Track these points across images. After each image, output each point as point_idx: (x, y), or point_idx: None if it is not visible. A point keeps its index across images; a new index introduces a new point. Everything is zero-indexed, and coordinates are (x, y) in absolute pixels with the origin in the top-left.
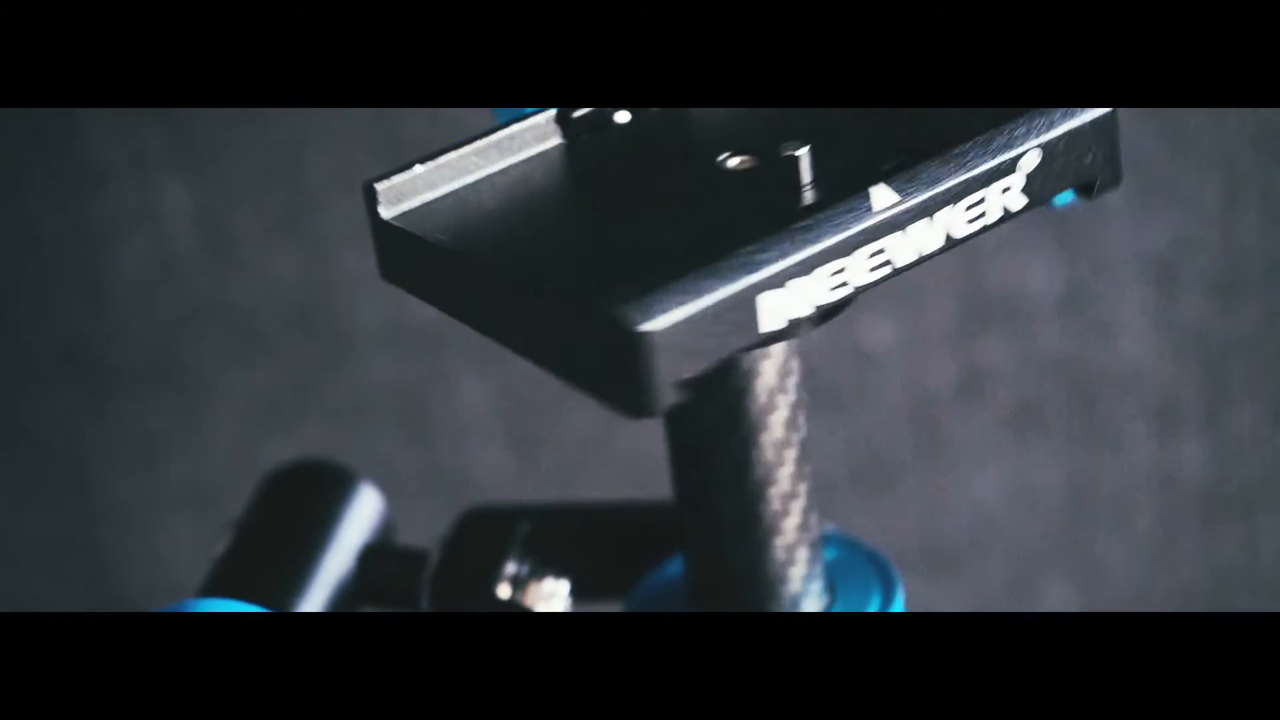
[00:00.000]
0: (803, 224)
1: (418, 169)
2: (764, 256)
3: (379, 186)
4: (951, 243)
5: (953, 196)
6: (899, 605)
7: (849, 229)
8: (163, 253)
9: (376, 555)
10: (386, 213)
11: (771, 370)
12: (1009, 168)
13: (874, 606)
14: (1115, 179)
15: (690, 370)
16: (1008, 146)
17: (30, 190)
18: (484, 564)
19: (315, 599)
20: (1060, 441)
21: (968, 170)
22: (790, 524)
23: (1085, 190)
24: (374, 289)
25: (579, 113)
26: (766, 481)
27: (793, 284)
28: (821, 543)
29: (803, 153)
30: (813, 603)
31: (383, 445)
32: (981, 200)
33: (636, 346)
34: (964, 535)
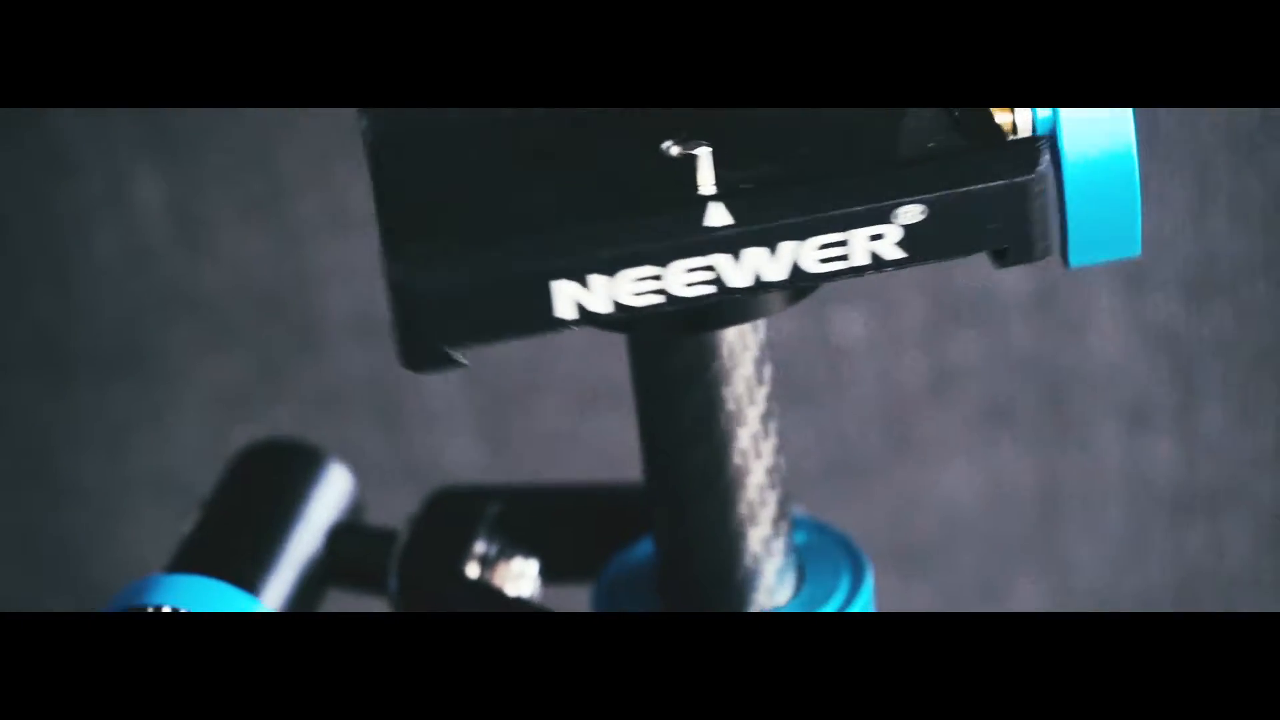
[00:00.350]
0: (622, 220)
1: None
2: (568, 244)
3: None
4: (804, 275)
5: (801, 231)
6: (868, 588)
7: (666, 240)
8: (133, 240)
9: (345, 534)
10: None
11: (748, 358)
12: (880, 216)
13: (843, 590)
14: (1026, 252)
15: (475, 337)
16: (881, 195)
17: None
18: (453, 543)
19: (283, 578)
20: (1030, 439)
21: (827, 209)
22: (763, 511)
23: (997, 257)
24: (345, 278)
25: None
26: (741, 470)
27: (593, 279)
28: (791, 525)
29: (701, 152)
30: (783, 584)
31: (353, 434)
32: (843, 242)
33: (402, 298)
34: (934, 532)
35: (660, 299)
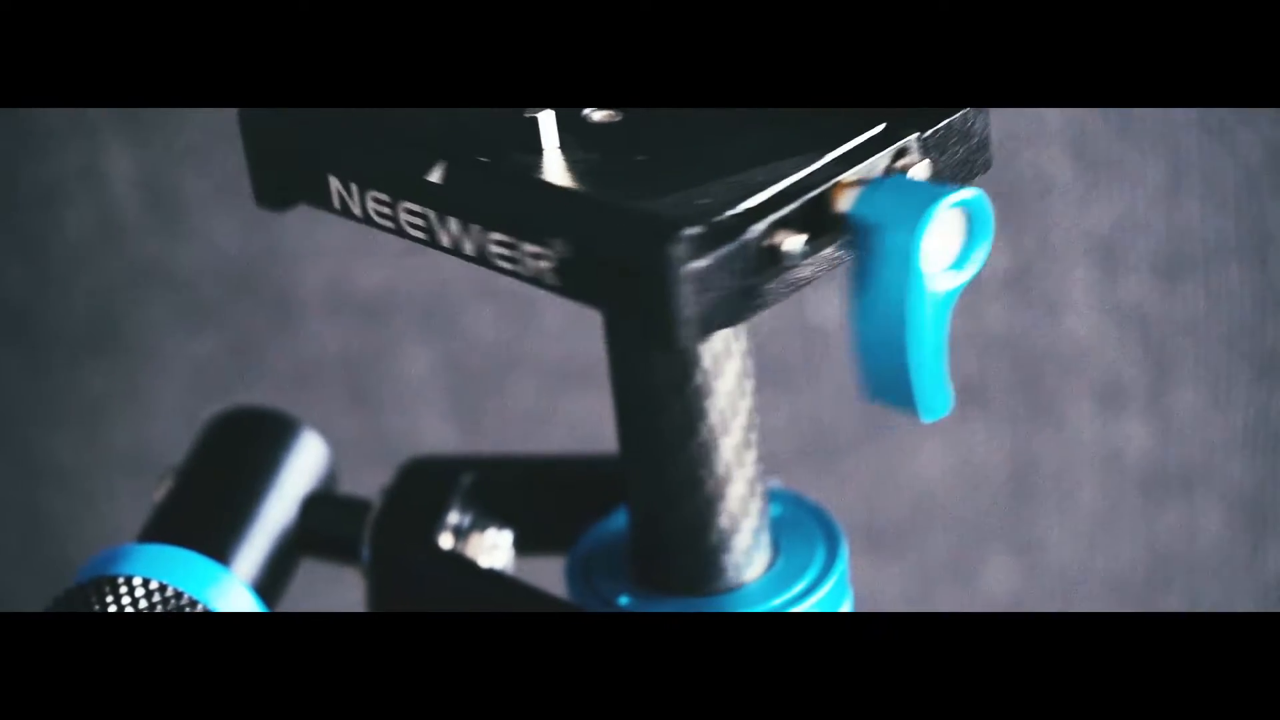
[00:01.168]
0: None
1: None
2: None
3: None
4: (487, 259)
5: (482, 221)
6: (843, 559)
7: (404, 178)
8: (106, 217)
9: (318, 503)
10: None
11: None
12: (536, 238)
13: (818, 562)
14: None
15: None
16: (531, 222)
17: None
18: (426, 514)
19: (256, 547)
20: (1003, 419)
21: (498, 211)
22: (737, 482)
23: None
24: (319, 256)
25: None
26: (715, 440)
27: (371, 195)
28: (766, 498)
29: (543, 116)
30: (757, 556)
31: (326, 411)
32: (512, 245)
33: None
34: (906, 511)
35: (389, 224)
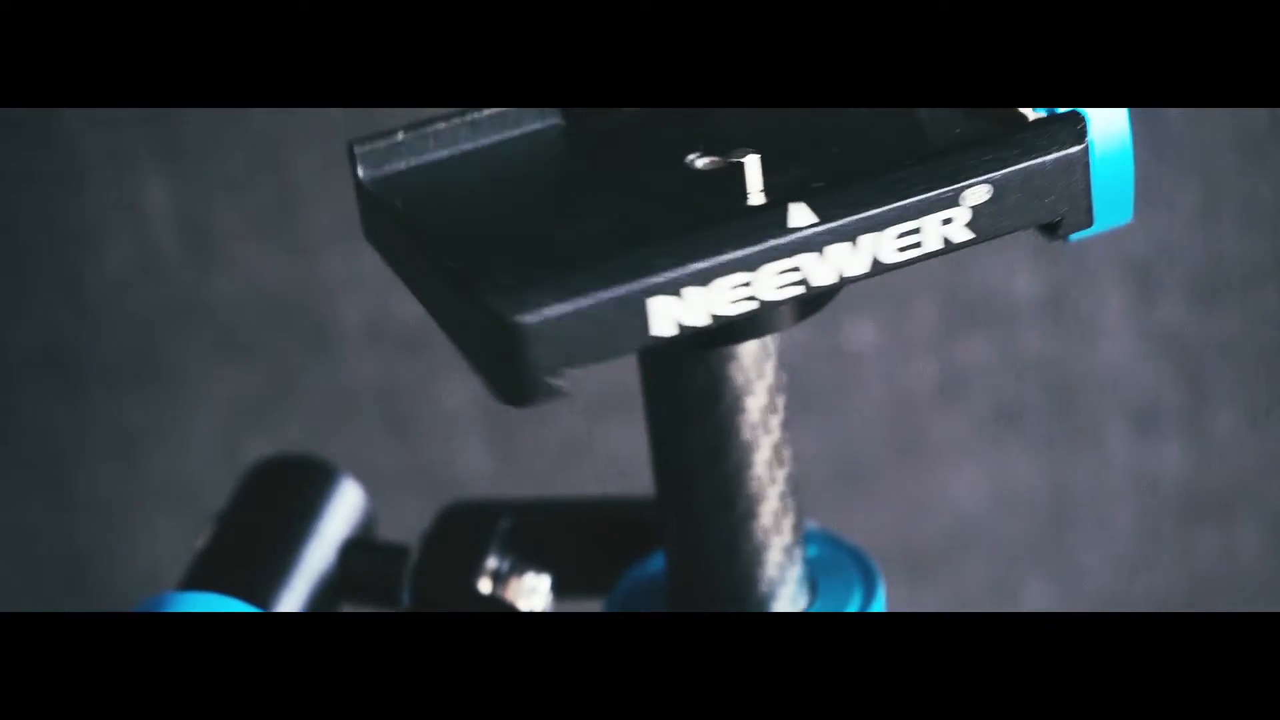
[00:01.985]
0: (713, 232)
1: (400, 135)
2: (659, 261)
3: (358, 149)
4: (881, 267)
5: (880, 223)
6: (880, 601)
7: (757, 244)
8: (144, 250)
9: (358, 550)
10: (364, 174)
11: (748, 357)
12: (950, 200)
13: (855, 602)
14: (1084, 220)
15: (573, 363)
16: (950, 179)
17: (9, 188)
18: (465, 559)
19: (296, 593)
20: (1040, 443)
21: (901, 198)
22: (775, 526)
23: (1048, 230)
24: (356, 287)
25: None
26: (743, 465)
27: (688, 292)
28: (803, 537)
29: (750, 160)
30: (794, 596)
31: (364, 443)
32: (917, 230)
33: (509, 336)
34: (943, 536)
35: (752, 304)
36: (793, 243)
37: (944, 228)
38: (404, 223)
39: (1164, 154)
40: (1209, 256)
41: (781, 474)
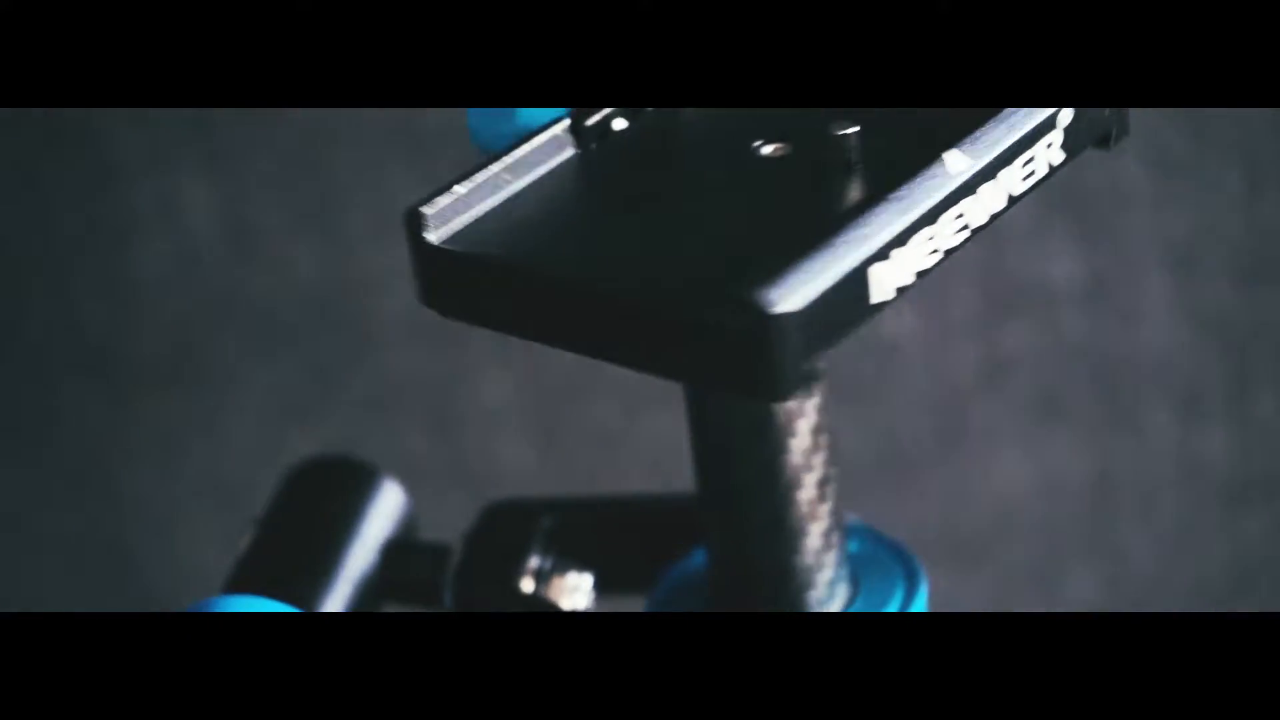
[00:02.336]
0: (893, 195)
1: (458, 189)
2: (867, 231)
3: (425, 211)
4: (1012, 201)
5: (1010, 156)
6: (923, 598)
7: (935, 195)
8: (184, 249)
9: (400, 551)
10: (435, 237)
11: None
12: (1050, 124)
13: (897, 600)
14: (1126, 129)
15: (817, 350)
16: (1049, 105)
17: (51, 188)
18: (507, 559)
19: (339, 595)
20: (1083, 429)
21: (1018, 130)
22: (815, 523)
23: (1103, 142)
24: (395, 283)
25: (589, 120)
26: (794, 483)
27: (896, 254)
28: (845, 535)
29: (853, 132)
30: (836, 594)
31: (405, 439)
32: (1032, 159)
33: (769, 329)
34: (986, 524)
35: (938, 256)
36: (959, 188)
37: (1048, 152)
38: (526, 270)
39: (1206, 137)
40: (1251, 239)
41: (812, 476)
